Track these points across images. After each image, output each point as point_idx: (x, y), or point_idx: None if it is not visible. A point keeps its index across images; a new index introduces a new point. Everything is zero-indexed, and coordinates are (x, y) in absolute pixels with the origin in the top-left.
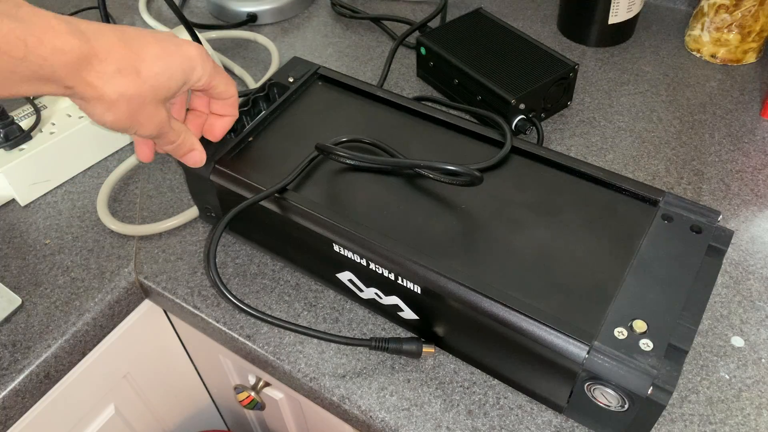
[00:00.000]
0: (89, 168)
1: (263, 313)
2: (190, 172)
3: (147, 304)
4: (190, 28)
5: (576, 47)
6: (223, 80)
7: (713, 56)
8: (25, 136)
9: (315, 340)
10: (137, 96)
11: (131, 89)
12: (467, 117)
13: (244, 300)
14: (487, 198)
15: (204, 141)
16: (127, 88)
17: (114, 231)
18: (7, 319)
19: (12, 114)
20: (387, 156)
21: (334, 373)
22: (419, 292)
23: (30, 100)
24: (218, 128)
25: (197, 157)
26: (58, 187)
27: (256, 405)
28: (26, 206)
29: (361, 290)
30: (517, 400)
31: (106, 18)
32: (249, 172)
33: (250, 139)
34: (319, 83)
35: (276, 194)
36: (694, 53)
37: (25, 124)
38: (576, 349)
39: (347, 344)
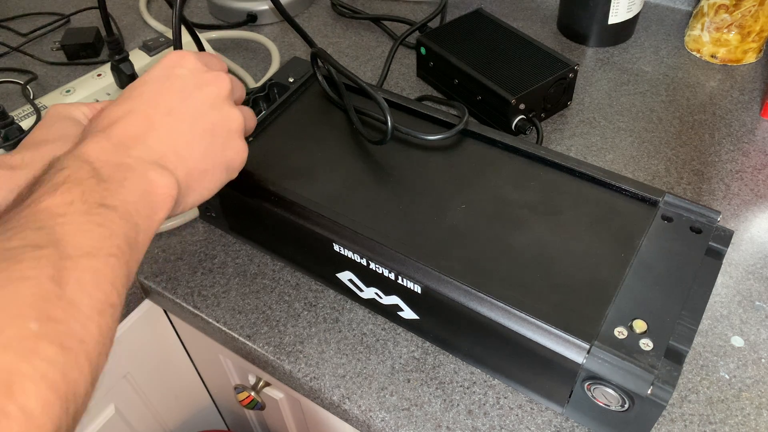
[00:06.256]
0: None
1: None
2: None
3: (147, 304)
4: (191, 28)
5: (576, 47)
6: None
7: (713, 56)
8: (25, 136)
9: (315, 340)
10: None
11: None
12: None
13: (244, 299)
14: (488, 198)
15: None
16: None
17: None
18: None
19: (12, 114)
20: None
21: (334, 373)
22: (419, 291)
23: (30, 100)
24: None
25: None
26: None
27: (256, 405)
28: None
29: (361, 290)
30: (517, 400)
31: (106, 18)
32: (249, 171)
33: (251, 138)
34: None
35: (276, 195)
36: (694, 53)
37: (25, 124)
38: (576, 348)
39: None
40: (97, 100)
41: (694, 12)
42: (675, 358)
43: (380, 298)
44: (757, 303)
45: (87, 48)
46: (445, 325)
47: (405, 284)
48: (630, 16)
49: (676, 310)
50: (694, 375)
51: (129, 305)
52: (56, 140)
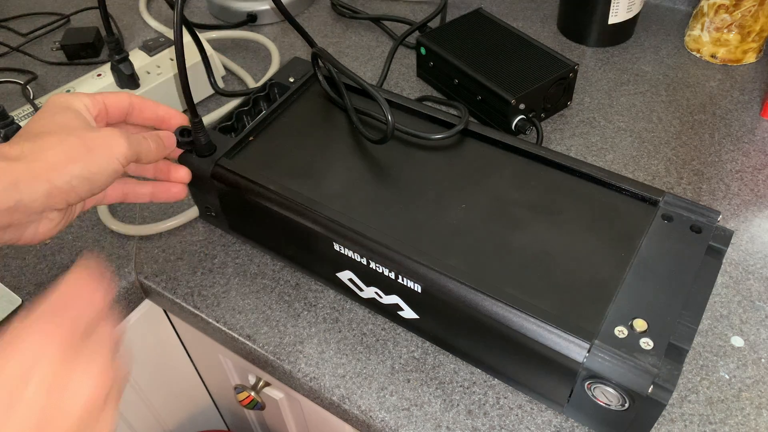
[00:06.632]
0: None
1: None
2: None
3: (147, 304)
4: (191, 28)
5: (576, 47)
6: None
7: (713, 56)
8: None
9: (315, 340)
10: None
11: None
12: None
13: (244, 299)
14: (488, 198)
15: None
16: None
17: (114, 231)
18: (8, 319)
19: (12, 114)
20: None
21: (334, 373)
22: (419, 290)
23: (30, 100)
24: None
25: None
26: None
27: (256, 405)
28: None
29: (361, 289)
30: (517, 399)
31: (106, 18)
32: (249, 171)
33: (251, 138)
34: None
35: (275, 194)
36: (694, 53)
37: (25, 124)
38: (576, 347)
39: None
40: None
41: (694, 12)
42: (675, 357)
43: (380, 297)
44: (757, 303)
45: (87, 48)
46: (445, 325)
47: (405, 283)
48: (630, 16)
49: (676, 309)
50: (694, 375)
51: (129, 305)
52: (56, 132)
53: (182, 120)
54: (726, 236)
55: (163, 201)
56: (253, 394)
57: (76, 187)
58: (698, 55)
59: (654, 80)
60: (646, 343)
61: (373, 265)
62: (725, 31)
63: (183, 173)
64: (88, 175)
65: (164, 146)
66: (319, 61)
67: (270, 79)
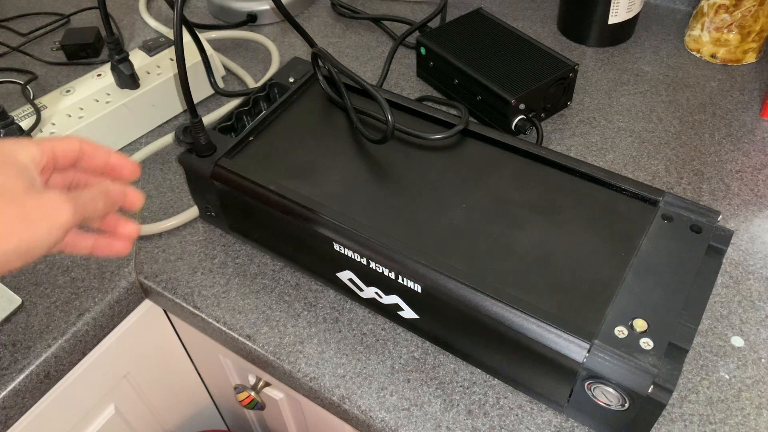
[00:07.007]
0: None
1: None
2: (190, 172)
3: (147, 304)
4: (191, 28)
5: (576, 47)
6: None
7: (713, 56)
8: (25, 136)
9: (315, 340)
10: None
11: None
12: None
13: (244, 299)
14: (488, 197)
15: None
16: None
17: None
18: (7, 319)
19: (12, 114)
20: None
21: (334, 373)
22: (419, 291)
23: (30, 100)
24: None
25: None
26: None
27: (256, 405)
28: None
29: (361, 289)
30: (517, 400)
31: (106, 18)
32: (249, 171)
33: (251, 138)
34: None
35: (274, 193)
36: (694, 53)
37: (25, 124)
38: (576, 347)
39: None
40: (97, 101)
41: (694, 12)
42: (675, 357)
43: (380, 297)
44: (757, 303)
45: (87, 48)
46: (445, 325)
47: (405, 283)
48: (630, 16)
49: (676, 309)
50: (694, 375)
51: (129, 305)
52: None
53: (134, 169)
54: (726, 236)
55: (104, 256)
56: (253, 394)
57: (9, 262)
58: (698, 55)
59: (654, 80)
60: (646, 343)
61: (373, 265)
62: (725, 31)
63: (130, 229)
64: (25, 250)
65: (112, 203)
66: (319, 61)
67: (270, 79)
